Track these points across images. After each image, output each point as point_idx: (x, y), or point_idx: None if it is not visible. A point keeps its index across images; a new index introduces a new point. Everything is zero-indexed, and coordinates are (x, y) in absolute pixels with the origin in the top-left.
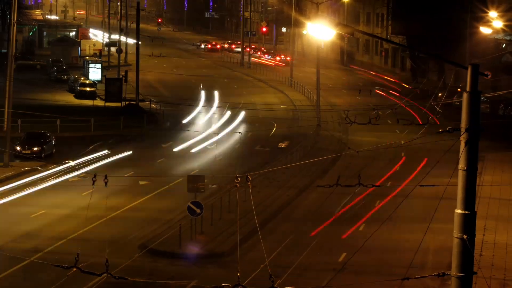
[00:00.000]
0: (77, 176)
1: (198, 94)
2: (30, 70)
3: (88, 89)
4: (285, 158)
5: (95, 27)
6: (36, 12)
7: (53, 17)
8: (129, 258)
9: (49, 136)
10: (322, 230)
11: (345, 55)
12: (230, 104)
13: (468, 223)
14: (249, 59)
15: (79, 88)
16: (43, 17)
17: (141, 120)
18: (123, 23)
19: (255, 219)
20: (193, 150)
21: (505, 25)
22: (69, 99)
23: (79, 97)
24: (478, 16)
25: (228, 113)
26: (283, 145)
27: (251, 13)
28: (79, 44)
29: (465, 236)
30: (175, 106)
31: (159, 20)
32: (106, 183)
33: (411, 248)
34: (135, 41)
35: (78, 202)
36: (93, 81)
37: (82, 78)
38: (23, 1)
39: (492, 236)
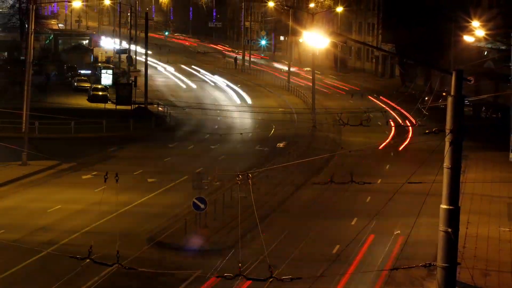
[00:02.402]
0: (90, 174)
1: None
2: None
3: (100, 93)
4: (283, 157)
5: (106, 35)
6: (52, 22)
7: (67, 26)
8: (138, 250)
9: None
10: (317, 224)
11: (339, 62)
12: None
13: (453, 217)
14: (250, 65)
15: (92, 92)
16: (58, 27)
17: (149, 122)
18: (133, 32)
19: (255, 214)
20: None
21: (486, 34)
22: (83, 102)
23: (91, 101)
24: (462, 26)
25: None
26: (281, 145)
27: (251, 23)
28: (91, 51)
29: (449, 230)
30: (180, 109)
31: (166, 33)
32: (116, 180)
33: (400, 241)
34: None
35: (91, 198)
36: (105, 86)
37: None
38: (39, 11)
39: (475, 230)
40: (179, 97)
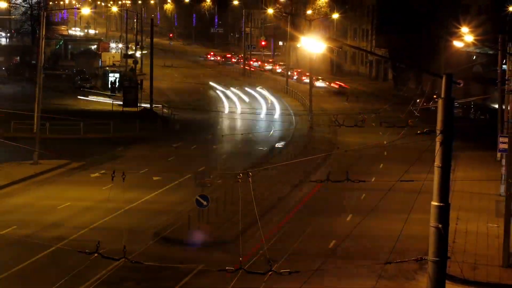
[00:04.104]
0: (98, 172)
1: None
2: (57, 79)
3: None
4: (282, 156)
5: (115, 41)
6: (62, 28)
7: (77, 32)
8: (144, 245)
9: None
10: (314, 220)
11: (335, 66)
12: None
13: (443, 214)
14: (250, 69)
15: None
16: (68, 32)
17: (154, 123)
18: (139, 37)
19: (255, 211)
20: None
21: (475, 39)
22: (91, 104)
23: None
24: (451, 31)
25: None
26: (280, 145)
27: (252, 29)
28: (99, 56)
29: (440, 225)
30: (183, 111)
31: (171, 35)
32: (123, 178)
33: (393, 236)
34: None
35: (99, 195)
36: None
37: None
38: (50, 18)
39: (464, 225)
40: (184, 99)
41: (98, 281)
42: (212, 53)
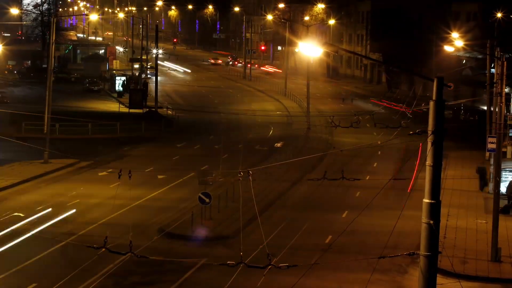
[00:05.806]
0: (106, 171)
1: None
2: (66, 82)
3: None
4: (280, 156)
5: (121, 46)
6: (71, 33)
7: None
8: (149, 240)
9: None
10: (312, 216)
11: (331, 69)
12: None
13: (434, 210)
14: (250, 72)
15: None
16: (77, 37)
17: (159, 124)
18: (144, 42)
19: (255, 207)
20: None
21: (465, 44)
22: (98, 106)
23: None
24: (442, 37)
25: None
26: (278, 145)
27: (252, 34)
28: (107, 60)
29: (431, 222)
30: (188, 112)
31: (175, 40)
32: (130, 177)
33: (386, 232)
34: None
35: (107, 193)
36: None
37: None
38: (60, 24)
39: (454, 221)
40: (187, 101)
41: (106, 274)
42: (238, 60)
